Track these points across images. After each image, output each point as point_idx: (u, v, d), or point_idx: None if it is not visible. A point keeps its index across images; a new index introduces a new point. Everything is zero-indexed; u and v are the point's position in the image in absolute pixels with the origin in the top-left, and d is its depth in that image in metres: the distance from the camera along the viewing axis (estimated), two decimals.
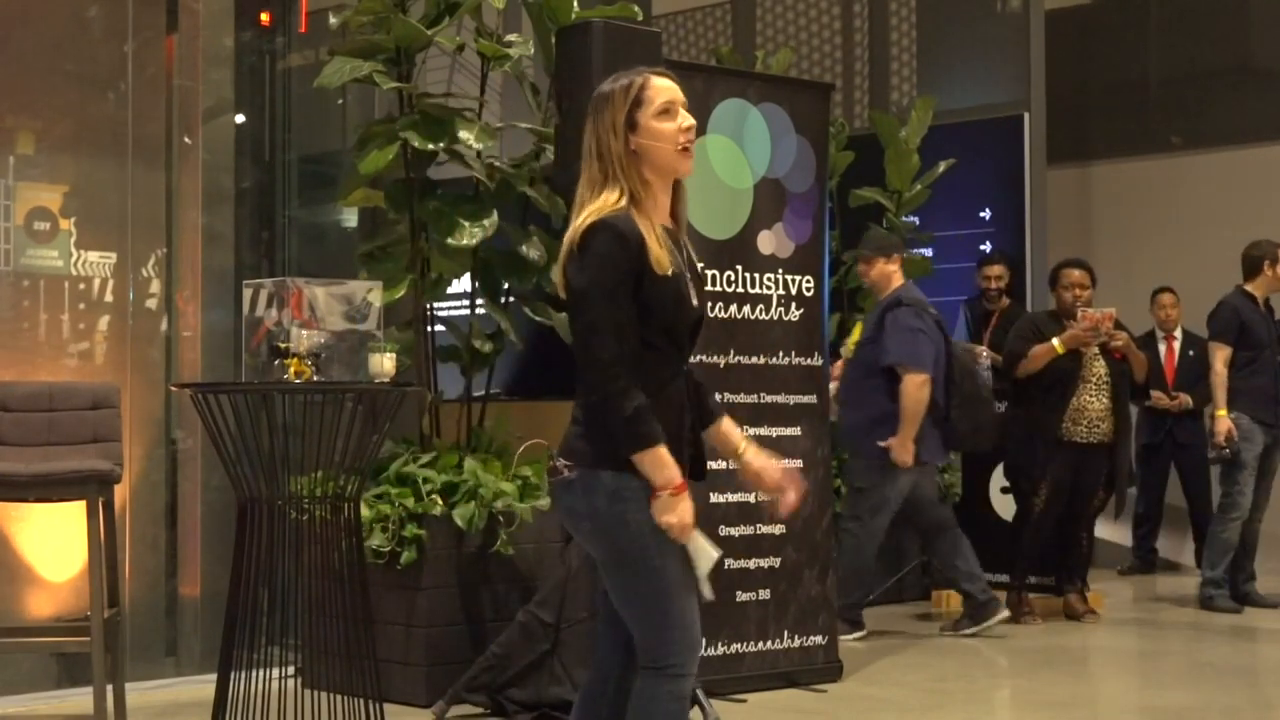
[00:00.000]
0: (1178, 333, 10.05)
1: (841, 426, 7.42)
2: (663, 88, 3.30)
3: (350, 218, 7.45)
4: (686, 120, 3.30)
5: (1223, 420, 8.11)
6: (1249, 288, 8.43)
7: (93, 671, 4.93)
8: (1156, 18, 11.63)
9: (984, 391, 7.54)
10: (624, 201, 3.24)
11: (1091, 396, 7.73)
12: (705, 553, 3.28)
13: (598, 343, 3.17)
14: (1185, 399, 9.65)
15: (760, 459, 3.48)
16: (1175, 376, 9.91)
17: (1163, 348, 10.00)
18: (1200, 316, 8.82)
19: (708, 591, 3.31)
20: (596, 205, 3.24)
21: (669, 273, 3.22)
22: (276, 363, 4.64)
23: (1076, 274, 7.84)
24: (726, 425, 3.50)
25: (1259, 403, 8.25)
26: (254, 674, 4.64)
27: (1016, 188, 9.77)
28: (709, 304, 5.93)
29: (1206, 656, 6.96)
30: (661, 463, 3.17)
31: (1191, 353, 9.87)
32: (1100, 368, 7.76)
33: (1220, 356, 8.27)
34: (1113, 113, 11.71)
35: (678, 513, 3.19)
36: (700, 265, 3.51)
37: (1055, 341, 7.68)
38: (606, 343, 3.16)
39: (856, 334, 8.18)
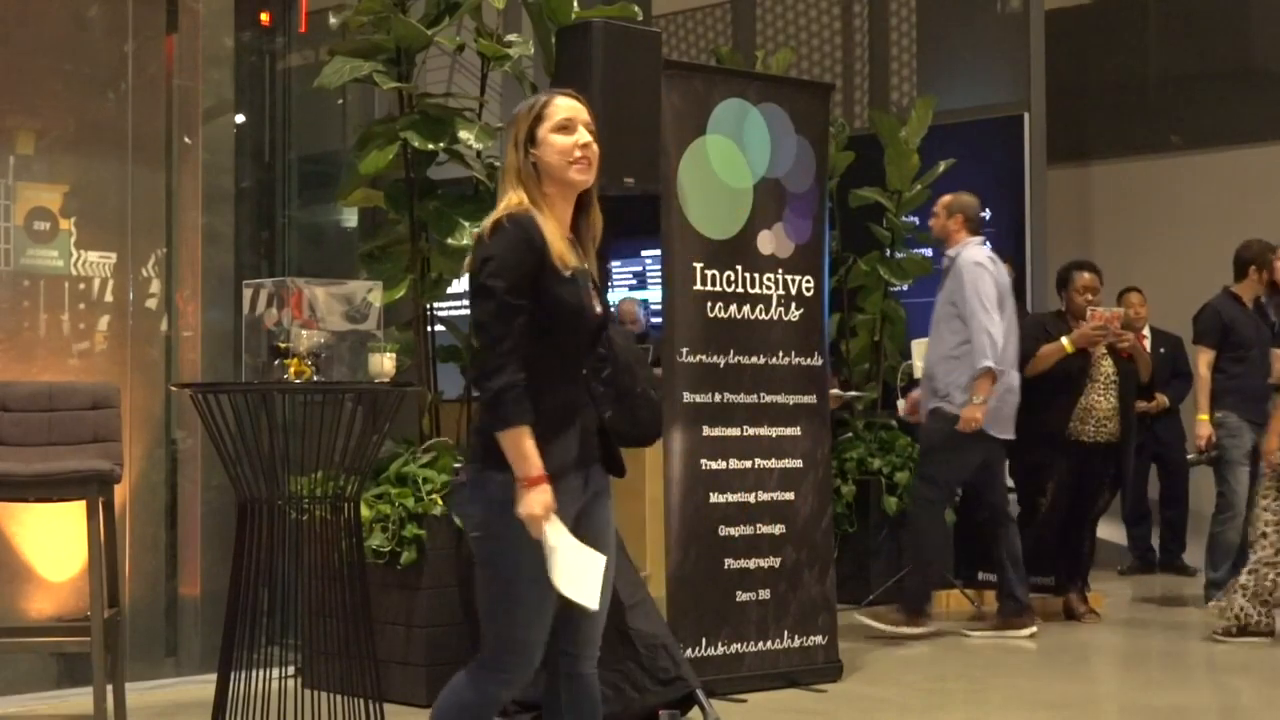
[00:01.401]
0: (1146, 331, 10.03)
1: None
2: (563, 106, 3.46)
3: (350, 218, 7.45)
4: (584, 137, 3.42)
5: (1204, 424, 8.09)
6: (1235, 289, 8.42)
7: (93, 671, 4.92)
8: (1156, 18, 11.64)
9: (641, 386, 7.26)
10: (525, 203, 3.40)
11: (1100, 396, 7.72)
12: (563, 554, 3.23)
13: (491, 325, 3.29)
14: (1162, 399, 9.63)
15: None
16: (1150, 376, 9.89)
17: None
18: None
19: (571, 593, 3.24)
20: (501, 207, 3.41)
21: (569, 272, 3.36)
22: (276, 363, 4.64)
23: (1089, 276, 7.86)
24: None
25: (1249, 402, 8.23)
26: (254, 674, 4.64)
27: (1016, 188, 9.78)
28: (708, 304, 5.95)
29: (1206, 656, 6.96)
30: (520, 449, 3.24)
31: (1163, 350, 9.86)
32: (1108, 367, 7.76)
33: (1203, 359, 8.27)
34: (1113, 113, 11.71)
35: (527, 504, 3.24)
36: (601, 274, 3.60)
37: (1065, 341, 7.67)
38: (497, 327, 3.28)
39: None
